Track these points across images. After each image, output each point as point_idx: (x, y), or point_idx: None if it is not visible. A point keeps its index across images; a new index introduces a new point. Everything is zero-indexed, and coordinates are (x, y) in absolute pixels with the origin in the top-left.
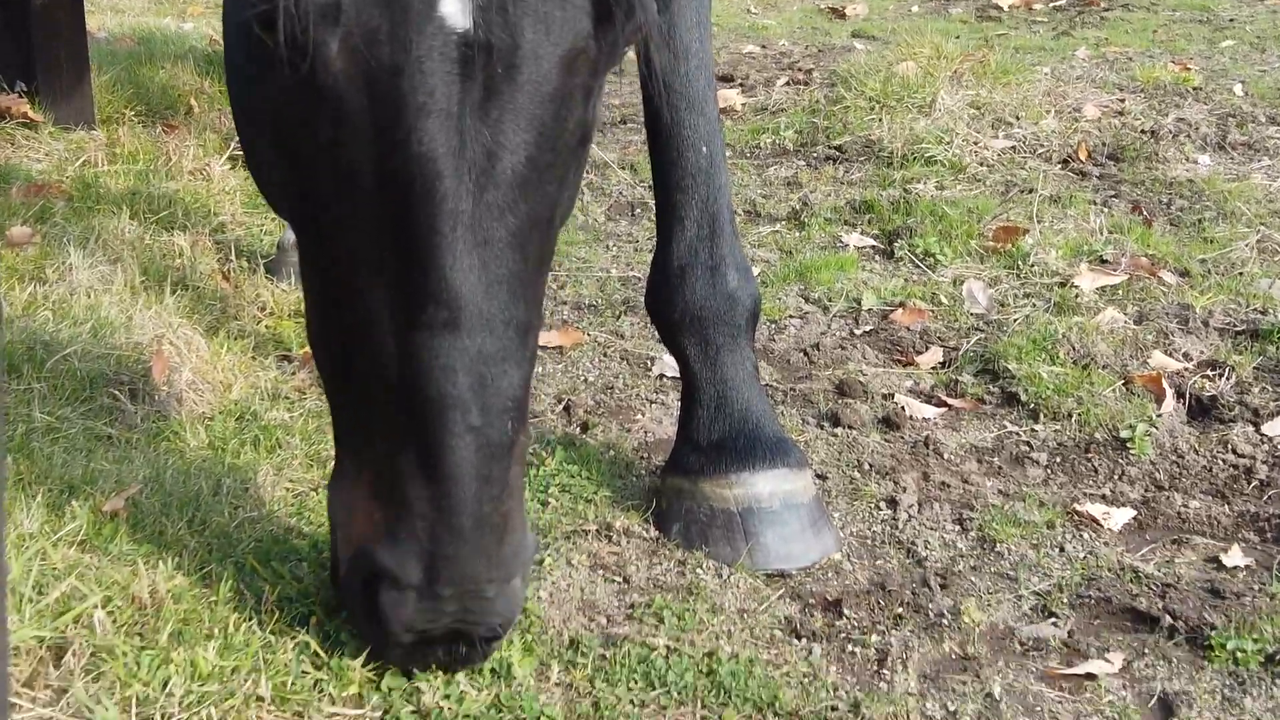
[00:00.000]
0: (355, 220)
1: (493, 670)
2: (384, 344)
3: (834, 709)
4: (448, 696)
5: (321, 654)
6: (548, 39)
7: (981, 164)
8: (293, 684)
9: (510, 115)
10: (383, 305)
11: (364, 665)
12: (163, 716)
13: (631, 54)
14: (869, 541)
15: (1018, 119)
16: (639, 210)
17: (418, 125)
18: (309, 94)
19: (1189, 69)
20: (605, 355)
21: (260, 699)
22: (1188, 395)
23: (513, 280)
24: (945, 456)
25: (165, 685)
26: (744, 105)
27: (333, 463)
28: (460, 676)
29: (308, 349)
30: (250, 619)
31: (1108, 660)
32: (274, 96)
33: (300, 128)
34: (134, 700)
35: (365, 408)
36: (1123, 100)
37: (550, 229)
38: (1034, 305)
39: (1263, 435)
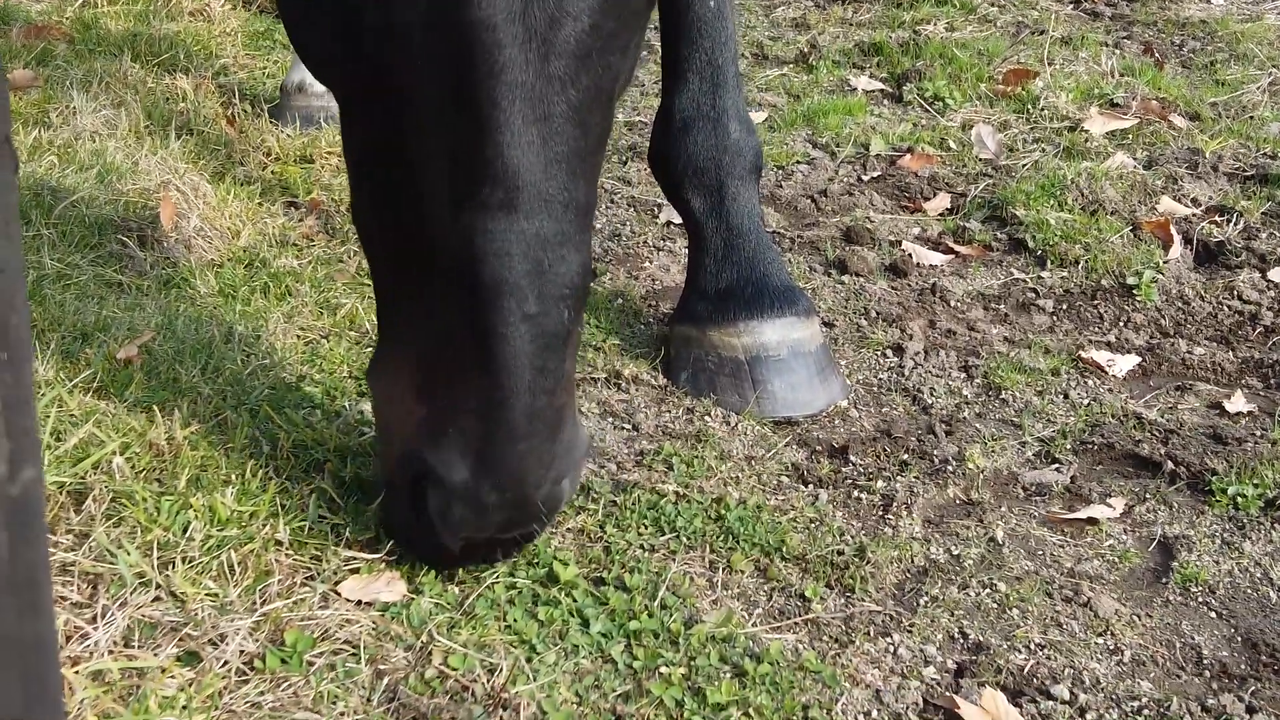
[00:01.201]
0: (407, 90)
1: None
2: (435, 224)
3: (840, 553)
4: None
5: (337, 499)
6: None
7: (992, 4)
8: (310, 529)
9: None
10: (435, 182)
11: (378, 511)
12: (183, 560)
13: None
14: (875, 388)
15: None
16: (645, 54)
17: None
18: None
19: None
20: (612, 202)
21: (279, 543)
22: (1195, 241)
23: (573, 158)
24: (952, 304)
25: (185, 530)
26: None
27: (374, 347)
28: None
29: (314, 195)
30: (266, 465)
31: (1109, 505)
32: None
33: None
34: (155, 544)
35: (412, 291)
36: None
37: (611, 103)
38: (1043, 150)
39: (1269, 281)
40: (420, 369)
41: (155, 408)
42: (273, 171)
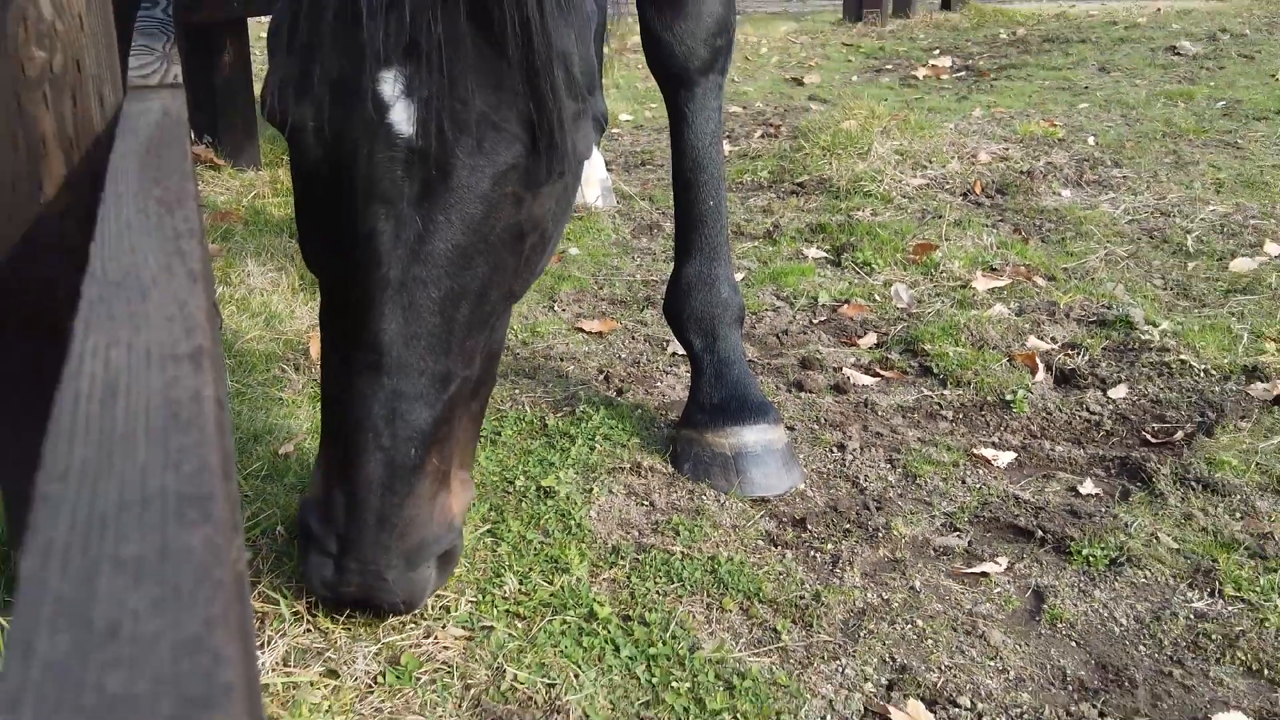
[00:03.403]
0: (326, 270)
1: (556, 568)
2: (337, 369)
3: (801, 598)
4: (524, 587)
5: None
6: (480, 154)
7: (904, 196)
8: None
9: (440, 209)
10: (339, 339)
11: (469, 570)
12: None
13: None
14: (825, 476)
15: (930, 162)
16: (656, 230)
17: (364, 208)
18: (298, 165)
19: (1055, 125)
20: (633, 338)
21: None
22: (1054, 368)
23: (432, 338)
24: (879, 413)
25: None
26: (730, 152)
27: None
28: (534, 573)
29: None
30: None
31: (997, 563)
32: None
33: (301, 189)
34: (305, 590)
35: (327, 412)
36: (1007, 148)
37: (482, 301)
38: (943, 301)
39: (1108, 398)
40: (328, 463)
41: (304, 490)
42: None
